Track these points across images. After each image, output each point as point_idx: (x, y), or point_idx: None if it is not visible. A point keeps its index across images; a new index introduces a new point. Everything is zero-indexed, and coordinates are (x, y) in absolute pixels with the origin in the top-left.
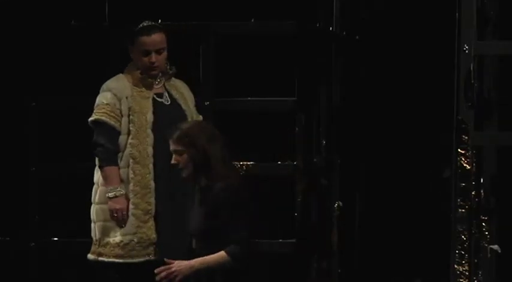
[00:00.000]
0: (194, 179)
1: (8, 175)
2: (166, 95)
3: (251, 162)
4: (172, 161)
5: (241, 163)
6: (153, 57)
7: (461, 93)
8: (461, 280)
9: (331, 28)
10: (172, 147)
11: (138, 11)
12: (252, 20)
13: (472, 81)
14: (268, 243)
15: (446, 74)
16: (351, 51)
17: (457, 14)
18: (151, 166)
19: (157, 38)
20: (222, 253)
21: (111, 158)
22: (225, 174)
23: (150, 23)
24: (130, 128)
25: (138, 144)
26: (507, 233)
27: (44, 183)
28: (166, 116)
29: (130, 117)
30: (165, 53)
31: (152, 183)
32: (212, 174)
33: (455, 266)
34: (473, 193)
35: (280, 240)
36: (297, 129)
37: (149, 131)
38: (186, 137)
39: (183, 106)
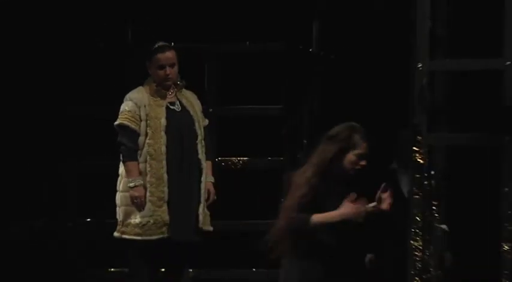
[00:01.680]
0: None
1: (52, 169)
2: (178, 103)
3: (246, 158)
4: (363, 163)
5: (238, 158)
6: (168, 70)
7: (416, 102)
8: (416, 253)
9: (310, 49)
10: (365, 150)
11: (155, 34)
12: (247, 43)
13: (425, 93)
14: (260, 223)
15: (404, 87)
16: (327, 68)
17: (413, 37)
18: (164, 162)
19: (170, 54)
20: None
21: (132, 154)
22: None
23: (163, 43)
24: (148, 131)
25: (154, 144)
26: (453, 214)
27: (81, 176)
28: (177, 121)
29: (148, 121)
30: (176, 68)
31: (165, 175)
32: None
33: (412, 242)
34: (425, 182)
35: (269, 220)
36: (283, 131)
37: (163, 133)
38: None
39: (192, 113)
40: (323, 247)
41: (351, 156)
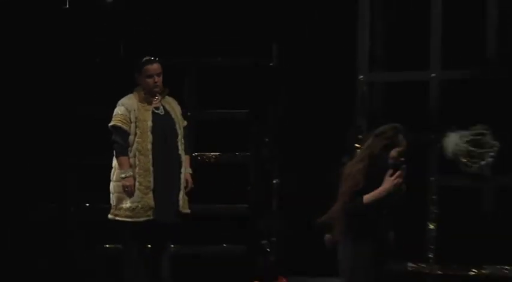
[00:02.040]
0: None
1: (56, 164)
2: (162, 108)
3: (218, 153)
4: (402, 159)
5: (212, 153)
6: (155, 78)
7: (358, 107)
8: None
9: (271, 63)
10: (405, 148)
11: (142, 50)
12: (219, 58)
13: (365, 100)
14: (230, 206)
15: (348, 95)
16: (286, 79)
17: (356, 54)
18: (150, 156)
19: (156, 66)
20: None
21: (123, 151)
22: None
23: (150, 57)
24: (137, 131)
25: (141, 142)
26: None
27: (81, 168)
28: (161, 122)
29: (137, 123)
30: (161, 77)
31: (151, 168)
32: None
33: None
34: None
35: (238, 204)
36: (250, 131)
37: (149, 133)
38: None
39: (173, 116)
40: (372, 225)
41: (393, 153)
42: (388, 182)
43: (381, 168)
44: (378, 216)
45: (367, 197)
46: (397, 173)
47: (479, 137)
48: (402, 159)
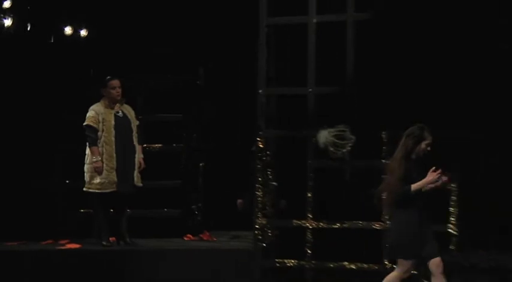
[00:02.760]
0: None
1: (44, 153)
2: (121, 112)
3: (161, 144)
4: (429, 149)
5: (156, 145)
6: (117, 90)
7: (259, 113)
8: (258, 198)
9: (198, 82)
10: (431, 140)
11: (107, 72)
12: (163, 77)
13: (263, 108)
14: (169, 182)
15: (252, 104)
16: (210, 93)
17: (256, 74)
18: (113, 146)
19: (117, 81)
20: None
21: (94, 142)
22: None
23: (112, 77)
24: (103, 128)
25: (107, 136)
26: (281, 177)
27: (66, 155)
28: (120, 122)
29: (104, 123)
30: (120, 90)
31: (114, 154)
32: None
33: (257, 193)
34: (264, 158)
35: (175, 180)
36: (183, 129)
37: (112, 129)
38: None
39: (129, 117)
40: (415, 200)
41: (423, 146)
42: (431, 175)
43: (414, 163)
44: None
45: (414, 186)
46: (438, 171)
47: (341, 133)
48: (429, 149)
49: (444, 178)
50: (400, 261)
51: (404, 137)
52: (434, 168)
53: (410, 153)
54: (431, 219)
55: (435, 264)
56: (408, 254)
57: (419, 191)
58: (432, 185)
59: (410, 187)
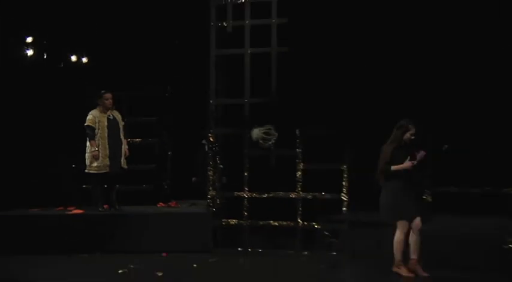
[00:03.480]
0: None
1: (56, 146)
2: (112, 116)
3: (140, 139)
4: (413, 138)
5: (136, 139)
6: (110, 101)
7: (210, 118)
8: (210, 176)
9: (166, 94)
10: (415, 131)
11: (100, 87)
12: (142, 90)
13: (214, 114)
14: (146, 166)
15: (205, 111)
16: (175, 103)
17: (208, 89)
18: (106, 140)
19: (110, 94)
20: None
21: (92, 137)
22: None
23: (106, 91)
24: (99, 127)
25: (101, 133)
26: (226, 162)
27: (68, 148)
28: (111, 123)
29: (99, 123)
30: (112, 100)
31: (107, 146)
32: None
33: (209, 173)
34: (214, 149)
35: (150, 164)
36: (157, 128)
37: (105, 128)
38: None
39: (118, 120)
40: (400, 174)
41: (408, 135)
42: (407, 163)
43: (403, 147)
44: (403, 173)
45: (394, 167)
46: (413, 160)
47: (268, 130)
48: (413, 138)
49: (421, 155)
50: (397, 223)
51: (394, 129)
52: (410, 157)
53: (400, 141)
54: (414, 189)
55: (415, 223)
56: (398, 216)
57: (399, 170)
58: (411, 165)
59: (390, 167)
